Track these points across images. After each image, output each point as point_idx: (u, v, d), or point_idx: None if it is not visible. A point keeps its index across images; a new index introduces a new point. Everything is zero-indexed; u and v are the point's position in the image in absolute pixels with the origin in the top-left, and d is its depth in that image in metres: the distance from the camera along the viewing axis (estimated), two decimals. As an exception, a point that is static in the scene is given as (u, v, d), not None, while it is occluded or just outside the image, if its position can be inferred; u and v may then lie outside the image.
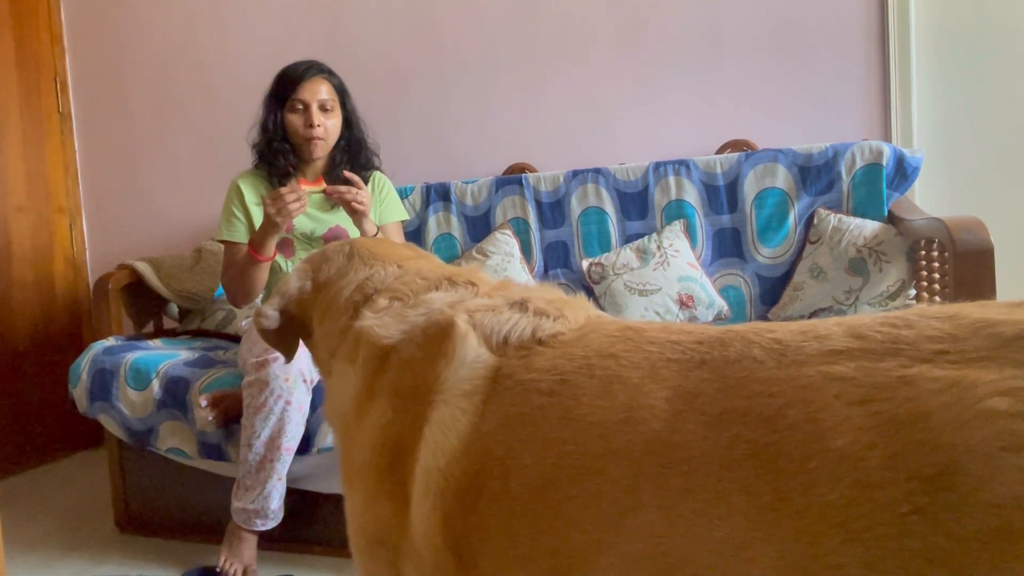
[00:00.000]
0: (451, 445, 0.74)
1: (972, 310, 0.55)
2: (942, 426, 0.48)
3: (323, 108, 2.04)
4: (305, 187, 1.91)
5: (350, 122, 2.12)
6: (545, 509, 0.65)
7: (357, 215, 1.93)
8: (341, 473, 0.95)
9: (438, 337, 0.82)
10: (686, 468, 0.57)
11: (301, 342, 1.17)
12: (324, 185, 1.96)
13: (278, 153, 2.06)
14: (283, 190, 1.84)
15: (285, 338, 1.15)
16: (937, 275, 1.92)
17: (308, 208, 2.10)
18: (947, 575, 0.46)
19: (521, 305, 0.83)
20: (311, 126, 2.01)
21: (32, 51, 3.09)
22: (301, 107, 2.03)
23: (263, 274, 1.98)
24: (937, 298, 1.92)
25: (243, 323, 2.28)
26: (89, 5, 3.20)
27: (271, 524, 1.80)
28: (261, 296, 2.20)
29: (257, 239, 1.92)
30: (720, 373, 0.61)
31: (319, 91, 2.03)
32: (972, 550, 0.45)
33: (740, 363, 0.60)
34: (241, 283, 1.99)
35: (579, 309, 0.83)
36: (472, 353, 0.79)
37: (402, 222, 2.24)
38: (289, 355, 1.19)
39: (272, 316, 1.10)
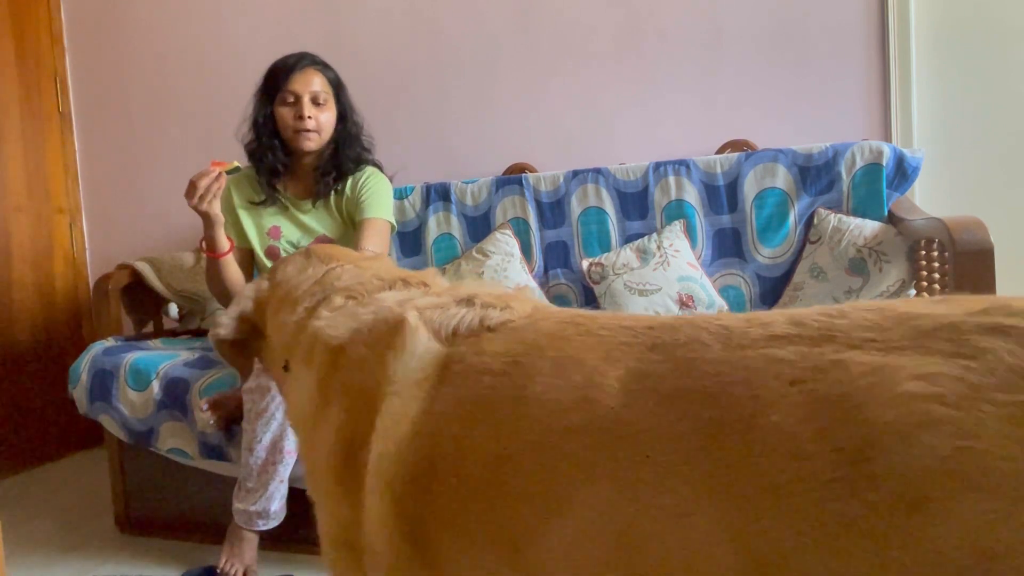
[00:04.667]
0: (403, 430, 0.76)
1: (899, 304, 0.60)
2: (865, 405, 0.52)
3: (315, 101, 1.97)
4: (216, 167, 1.80)
5: (345, 117, 2.05)
6: (499, 483, 0.68)
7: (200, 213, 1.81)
8: (307, 481, 0.94)
9: (387, 334, 0.84)
10: (637, 441, 0.61)
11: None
12: (237, 163, 1.87)
13: (267, 150, 2.00)
14: (194, 177, 1.78)
15: (241, 352, 1.11)
16: (937, 275, 1.92)
17: (294, 211, 2.05)
18: (862, 539, 0.50)
19: (468, 301, 0.85)
20: (301, 118, 1.94)
21: (32, 51, 3.09)
22: (292, 99, 1.96)
23: (229, 272, 1.91)
24: (937, 298, 1.92)
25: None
26: (89, 5, 3.20)
27: (272, 524, 1.80)
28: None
29: (205, 237, 1.87)
30: (671, 355, 0.64)
31: (311, 83, 1.96)
32: (884, 517, 0.49)
33: (689, 346, 0.64)
34: (214, 285, 1.95)
35: (525, 301, 0.86)
36: (422, 346, 0.80)
37: (391, 225, 2.04)
38: (245, 373, 1.15)
39: (226, 324, 1.07)
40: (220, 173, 1.79)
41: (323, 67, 2.02)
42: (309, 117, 1.95)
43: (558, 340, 0.73)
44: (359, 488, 0.80)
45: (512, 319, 0.81)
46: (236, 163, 1.86)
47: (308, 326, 0.95)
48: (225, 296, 1.95)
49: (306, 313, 0.97)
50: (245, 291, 1.10)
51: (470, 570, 0.71)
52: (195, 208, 1.79)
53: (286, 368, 1.00)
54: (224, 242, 1.88)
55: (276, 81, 1.98)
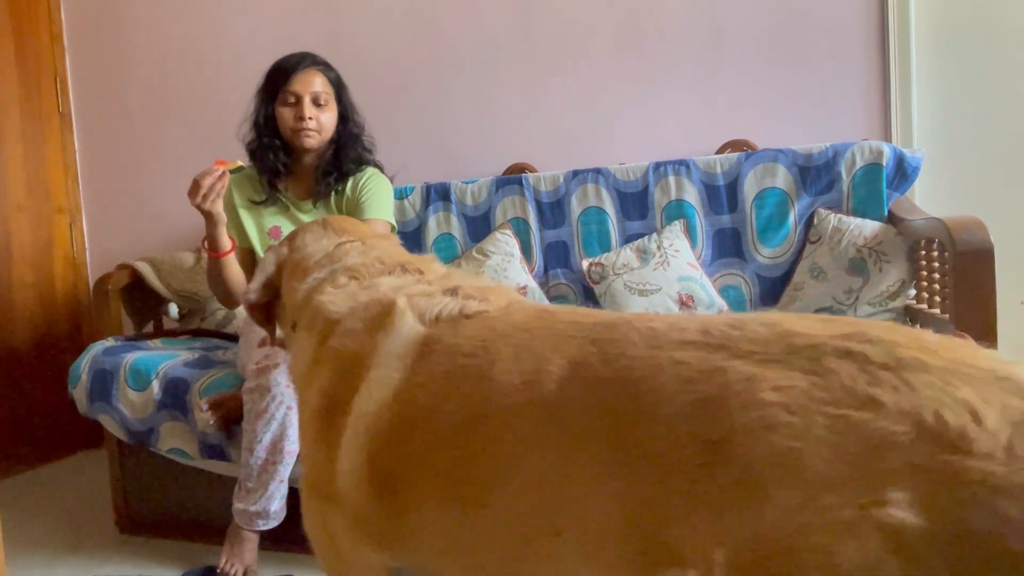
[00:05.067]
0: (383, 395, 0.89)
1: (787, 322, 0.70)
2: (732, 406, 0.64)
3: (316, 102, 1.97)
4: (220, 166, 1.79)
5: (346, 117, 2.05)
6: (462, 445, 0.81)
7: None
8: (299, 436, 1.09)
9: (379, 314, 0.98)
10: (566, 418, 0.74)
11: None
12: (240, 162, 1.86)
13: (268, 149, 2.00)
14: (197, 176, 1.76)
15: (270, 316, 1.26)
16: (937, 275, 1.92)
17: (294, 211, 2.06)
18: (709, 514, 0.62)
19: (453, 291, 0.98)
20: (302, 119, 1.94)
21: (32, 51, 3.09)
22: (293, 100, 1.96)
23: (231, 272, 1.91)
24: (937, 298, 1.92)
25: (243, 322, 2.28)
26: (89, 5, 3.20)
27: (273, 524, 1.80)
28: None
29: (207, 236, 1.87)
30: (603, 349, 0.76)
31: (312, 83, 1.96)
32: (728, 497, 0.61)
33: (619, 342, 0.76)
34: (215, 285, 1.95)
35: (502, 295, 0.99)
36: (407, 327, 0.94)
37: (391, 226, 2.04)
38: (271, 335, 1.29)
39: (255, 289, 1.22)
40: (224, 172, 1.78)
41: (324, 67, 2.02)
42: (310, 118, 1.95)
43: (521, 331, 0.86)
44: (336, 441, 0.93)
45: (488, 310, 0.94)
46: (240, 162, 1.86)
47: (313, 299, 1.08)
48: (226, 296, 1.95)
49: (314, 284, 1.11)
50: (267, 257, 1.23)
51: (431, 519, 0.84)
52: (198, 207, 1.78)
53: (294, 328, 1.14)
54: (226, 241, 1.88)
55: (277, 81, 1.98)
